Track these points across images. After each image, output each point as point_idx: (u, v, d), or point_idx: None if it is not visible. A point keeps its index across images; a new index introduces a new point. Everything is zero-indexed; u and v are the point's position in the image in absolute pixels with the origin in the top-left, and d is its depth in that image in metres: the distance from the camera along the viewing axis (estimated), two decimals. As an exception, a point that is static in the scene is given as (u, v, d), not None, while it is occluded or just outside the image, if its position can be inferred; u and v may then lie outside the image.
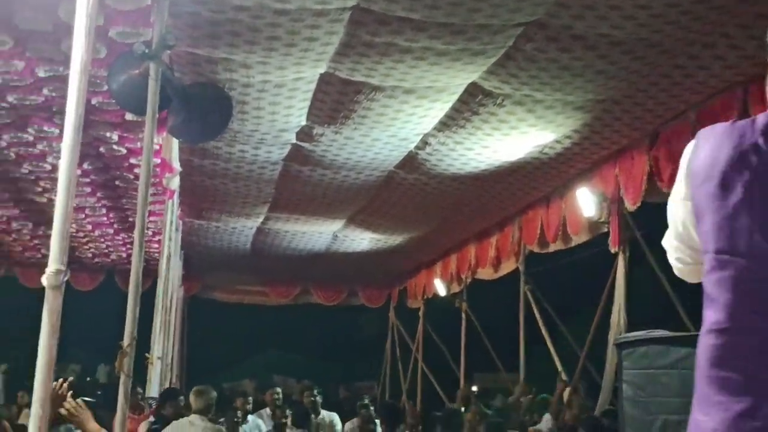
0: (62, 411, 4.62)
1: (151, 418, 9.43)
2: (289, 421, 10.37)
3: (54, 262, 3.76)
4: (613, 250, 9.36)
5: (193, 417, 8.43)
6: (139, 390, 10.49)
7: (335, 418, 11.46)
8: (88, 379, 23.04)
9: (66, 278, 3.77)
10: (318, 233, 14.24)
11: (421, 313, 17.83)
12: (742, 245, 1.72)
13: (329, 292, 19.72)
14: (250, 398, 11.59)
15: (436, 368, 17.04)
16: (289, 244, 15.19)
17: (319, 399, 11.30)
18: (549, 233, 10.83)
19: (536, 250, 11.55)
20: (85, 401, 15.20)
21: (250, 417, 10.85)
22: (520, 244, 12.04)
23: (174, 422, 8.53)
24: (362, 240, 14.63)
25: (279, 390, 11.94)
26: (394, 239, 14.43)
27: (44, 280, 3.74)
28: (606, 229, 9.54)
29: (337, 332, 24.89)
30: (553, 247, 11.04)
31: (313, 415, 10.57)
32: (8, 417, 11.47)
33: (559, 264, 12.24)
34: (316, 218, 13.09)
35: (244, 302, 19.96)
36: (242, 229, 14.09)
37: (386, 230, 13.79)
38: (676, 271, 2.11)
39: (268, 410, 11.54)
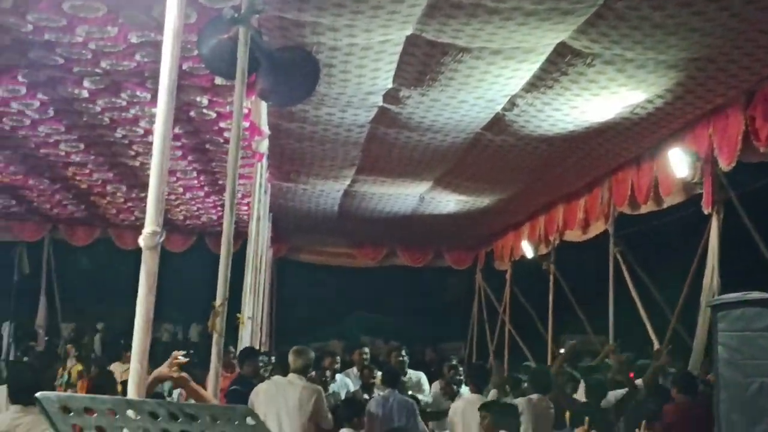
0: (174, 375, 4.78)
1: None
2: (378, 380, 10.48)
3: (150, 224, 3.85)
4: (706, 211, 9.18)
5: (292, 376, 8.57)
6: (231, 349, 10.70)
7: (422, 377, 11.54)
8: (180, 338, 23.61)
9: (162, 239, 3.85)
10: (404, 195, 14.26)
11: (508, 275, 17.76)
12: None
13: (416, 254, 19.76)
14: (338, 358, 11.73)
15: (523, 330, 17.00)
16: (375, 207, 15.24)
17: (406, 359, 11.39)
18: (640, 195, 10.66)
19: (627, 211, 11.38)
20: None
21: (338, 376, 11.01)
22: (610, 206, 11.87)
23: (274, 379, 8.66)
24: (449, 202, 14.60)
25: (366, 350, 12.06)
26: (481, 201, 14.37)
27: (141, 241, 3.83)
28: (699, 190, 9.36)
29: (424, 294, 24.95)
30: (644, 209, 10.87)
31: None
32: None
33: (650, 226, 12.04)
34: (403, 180, 13.10)
35: (332, 264, 20.15)
36: (329, 191, 14.18)
37: (473, 192, 13.73)
38: None
39: (355, 370, 11.67)
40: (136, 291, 3.92)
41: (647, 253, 12.83)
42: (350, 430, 7.72)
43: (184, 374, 4.81)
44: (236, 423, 2.20)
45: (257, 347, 12.27)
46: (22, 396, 5.74)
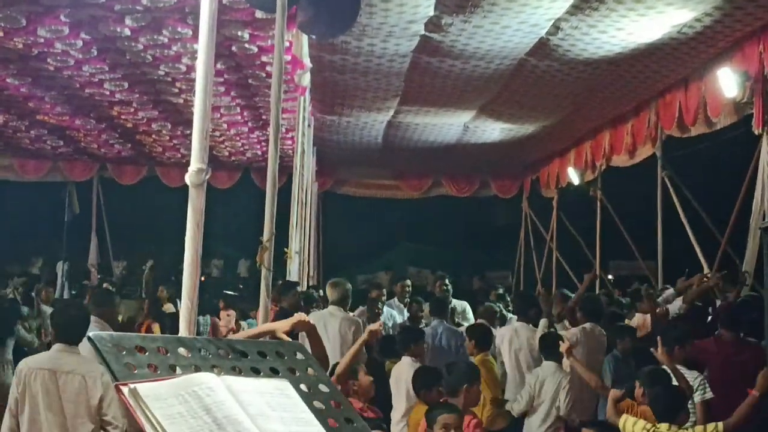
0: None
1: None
2: (426, 311, 10.53)
3: (195, 161, 3.85)
4: (756, 132, 8.99)
5: (332, 308, 8.68)
6: (279, 283, 10.80)
7: (467, 307, 11.59)
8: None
9: (207, 176, 3.86)
10: (448, 125, 14.17)
11: (554, 203, 17.67)
12: None
13: (461, 184, 19.69)
14: (384, 290, 11.77)
15: (571, 257, 16.94)
16: (419, 137, 15.18)
17: (450, 288, 11.43)
18: (688, 117, 10.48)
19: (675, 134, 11.20)
20: (228, 294, 15.79)
21: (384, 308, 11.05)
22: (657, 129, 11.69)
23: (313, 313, 8.78)
24: (493, 130, 14.49)
25: (408, 282, 12.03)
26: (526, 128, 14.23)
27: (187, 179, 3.84)
28: (749, 110, 9.17)
29: (470, 223, 24.88)
30: (693, 131, 10.69)
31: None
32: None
33: (698, 148, 11.86)
34: (446, 110, 13.00)
35: (377, 196, 20.15)
36: (373, 123, 14.13)
37: (518, 119, 13.60)
38: None
39: (396, 301, 11.68)
40: (184, 228, 3.94)
41: (696, 176, 12.64)
42: (409, 358, 7.77)
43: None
44: (285, 358, 2.21)
45: (305, 281, 12.39)
46: (66, 335, 5.83)
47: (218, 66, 9.94)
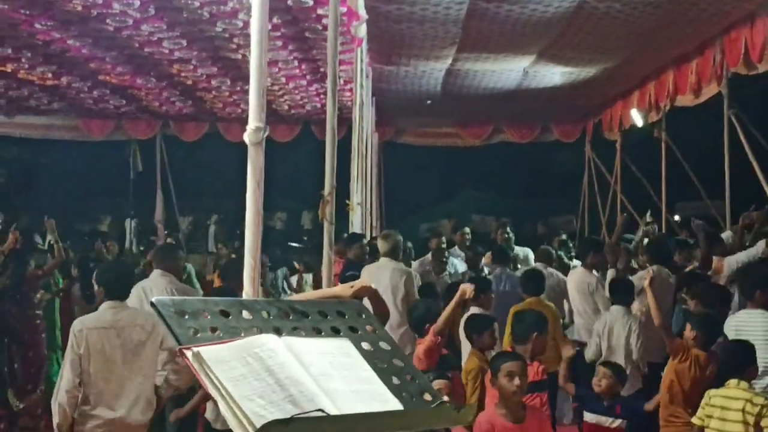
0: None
1: None
2: (486, 260, 10.50)
3: (253, 120, 3.87)
4: (825, 67, 8.75)
5: (383, 260, 8.73)
6: (344, 236, 10.86)
7: (529, 253, 11.54)
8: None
9: (266, 134, 3.88)
10: (508, 71, 14.01)
11: (618, 145, 17.41)
12: None
13: (522, 130, 19.50)
14: (444, 238, 11.74)
15: (636, 200, 16.73)
16: (479, 84, 15.04)
17: (512, 236, 11.38)
18: (754, 53, 10.21)
19: (741, 72, 10.94)
20: (293, 247, 15.94)
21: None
22: (723, 67, 11.41)
23: (367, 266, 8.83)
24: (554, 75, 14.29)
25: (468, 230, 11.98)
26: (588, 71, 14.01)
27: (245, 138, 3.86)
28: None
29: (532, 169, 24.70)
30: (759, 68, 10.42)
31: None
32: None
33: (765, 85, 11.57)
34: (505, 56, 12.84)
35: (438, 144, 20.08)
36: (431, 71, 14.03)
37: (578, 63, 13.39)
38: None
39: (457, 250, 11.66)
40: (246, 182, 3.98)
41: (763, 114, 12.34)
42: (477, 308, 7.79)
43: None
44: (347, 317, 2.23)
45: (368, 232, 12.44)
46: (115, 292, 5.95)
47: (274, 20, 9.95)
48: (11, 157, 25.75)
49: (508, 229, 11.42)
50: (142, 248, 17.38)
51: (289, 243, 18.02)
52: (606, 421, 6.12)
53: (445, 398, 4.63)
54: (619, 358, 7.59)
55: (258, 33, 3.83)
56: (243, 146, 3.92)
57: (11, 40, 11.13)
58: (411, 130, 19.49)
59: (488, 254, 10.59)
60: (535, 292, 8.39)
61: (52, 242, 10.36)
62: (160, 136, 19.33)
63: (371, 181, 14.12)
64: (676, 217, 16.84)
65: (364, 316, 2.26)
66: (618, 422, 6.16)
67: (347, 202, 10.11)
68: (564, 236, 11.53)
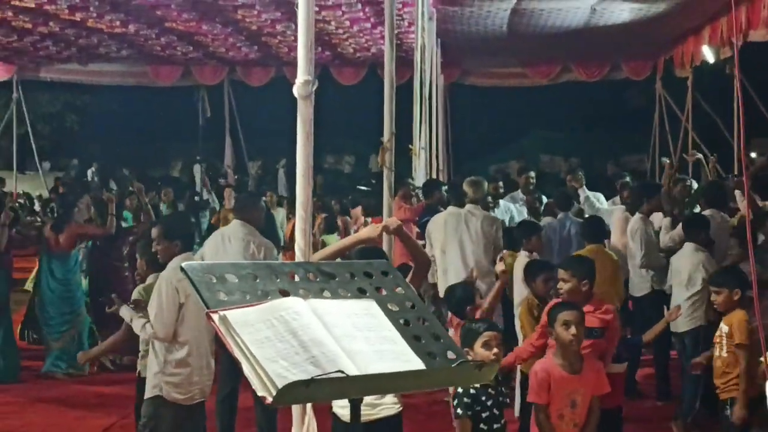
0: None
1: None
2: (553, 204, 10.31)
3: (302, 73, 3.90)
4: None
5: (470, 207, 8.61)
6: (410, 180, 10.81)
7: (601, 197, 11.29)
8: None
9: (315, 87, 3.90)
10: (575, 8, 13.73)
11: (689, 83, 17.03)
12: None
13: (591, 68, 19.14)
14: (501, 183, 11.53)
15: (708, 137, 16.42)
16: (545, 23, 14.79)
17: (582, 179, 11.12)
18: (828, -13, 9.87)
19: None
20: (361, 190, 15.97)
21: (501, 202, 10.86)
22: (797, 1, 11.06)
23: (451, 210, 8.70)
24: (622, 11, 13.97)
25: (533, 174, 11.62)
26: (657, 6, 13.67)
27: (295, 91, 3.90)
28: None
29: (602, 108, 24.31)
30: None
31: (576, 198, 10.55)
32: None
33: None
34: (572, -8, 12.62)
35: (505, 85, 19.88)
36: (496, 11, 13.83)
37: (647, -2, 13.08)
38: None
39: (520, 193, 11.43)
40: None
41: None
42: (526, 252, 7.77)
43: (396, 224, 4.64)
44: (373, 278, 2.27)
45: (433, 176, 12.39)
46: (188, 245, 6.01)
47: (337, -36, 9.94)
48: (83, 104, 26.29)
49: (580, 174, 11.13)
50: (212, 192, 17.64)
51: (357, 186, 18.10)
52: (615, 367, 5.97)
53: (494, 351, 4.73)
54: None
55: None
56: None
57: (78, -10, 11.33)
58: (477, 71, 19.29)
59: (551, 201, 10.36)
60: (595, 239, 8.24)
61: (142, 203, 10.56)
62: (228, 82, 19.51)
63: (437, 125, 14.06)
64: (753, 154, 16.51)
65: (391, 275, 2.30)
66: (624, 366, 6.10)
67: (410, 146, 10.12)
68: (627, 178, 11.25)
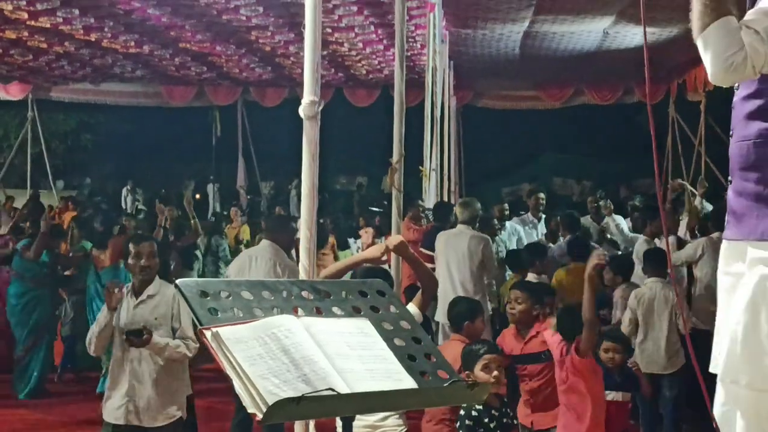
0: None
1: None
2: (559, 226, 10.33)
3: (308, 93, 3.92)
4: None
5: (461, 227, 8.74)
6: (420, 202, 10.85)
7: (622, 221, 11.27)
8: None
9: (320, 107, 3.92)
10: (587, 32, 13.78)
11: (702, 107, 17.03)
12: None
13: (603, 91, 19.17)
14: (506, 205, 11.58)
15: (721, 162, 16.37)
16: (558, 46, 14.84)
17: (603, 203, 11.12)
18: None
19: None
20: (373, 211, 15.96)
21: (507, 224, 10.87)
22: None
23: (443, 232, 8.87)
24: (635, 35, 14.01)
25: (542, 195, 11.67)
26: (669, 31, 13.69)
27: (300, 111, 3.91)
28: None
29: (614, 131, 24.30)
30: None
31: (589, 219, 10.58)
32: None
33: None
34: (584, 17, 12.63)
35: (518, 108, 19.92)
36: (509, 34, 13.88)
37: (660, 22, 13.08)
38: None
39: (530, 216, 11.46)
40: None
41: None
42: (534, 275, 7.79)
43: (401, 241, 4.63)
44: (368, 297, 2.28)
45: (444, 198, 12.42)
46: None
47: (349, -14, 10.01)
48: (97, 123, 26.44)
49: (599, 196, 11.12)
50: (225, 212, 17.70)
51: (369, 207, 18.13)
52: (621, 396, 5.93)
53: (494, 373, 4.71)
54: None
55: (312, 9, 3.88)
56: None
57: (94, 10, 11.42)
58: (490, 93, 19.34)
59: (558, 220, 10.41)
60: (580, 258, 8.31)
61: (191, 218, 10.58)
62: (241, 102, 19.60)
63: (449, 147, 14.08)
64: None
65: (386, 295, 2.31)
66: (627, 395, 6.05)
67: (420, 168, 10.13)
68: (637, 201, 11.26)
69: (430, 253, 9.05)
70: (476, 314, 5.98)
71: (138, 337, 5.25)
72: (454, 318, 6.12)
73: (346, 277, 4.39)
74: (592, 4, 11.73)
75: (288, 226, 7.74)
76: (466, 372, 4.60)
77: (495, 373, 4.70)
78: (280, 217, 10.30)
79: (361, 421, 4.28)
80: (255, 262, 7.11)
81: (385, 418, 4.45)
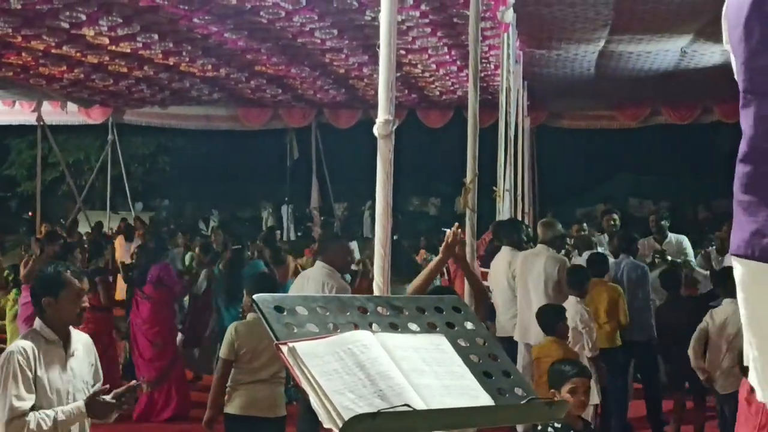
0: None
1: None
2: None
3: (383, 113, 3.92)
4: None
5: (540, 247, 8.71)
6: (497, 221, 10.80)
7: (684, 240, 11.14)
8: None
9: (395, 127, 3.93)
10: (664, 51, 13.60)
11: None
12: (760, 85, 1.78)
13: (682, 111, 18.90)
14: (585, 224, 11.50)
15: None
16: (634, 66, 14.67)
17: (665, 223, 11.01)
18: None
19: None
20: (444, 231, 15.97)
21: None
22: None
23: (523, 252, 8.82)
24: (713, 53, 13.77)
25: (616, 216, 11.57)
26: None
27: (375, 131, 3.92)
28: None
29: (693, 151, 23.90)
30: None
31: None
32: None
33: None
34: (660, 36, 12.47)
35: (593, 127, 19.76)
36: (584, 54, 13.78)
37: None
38: None
39: (606, 236, 11.36)
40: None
41: None
42: (576, 298, 7.73)
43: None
44: (444, 313, 2.26)
45: (519, 218, 12.35)
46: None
47: (422, 7, 10.03)
48: (175, 146, 26.91)
49: (662, 218, 11.04)
50: (299, 234, 17.84)
51: (442, 229, 18.10)
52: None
53: (581, 398, 4.65)
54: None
55: (386, 28, 3.89)
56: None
57: (172, 35, 11.63)
58: (565, 113, 19.23)
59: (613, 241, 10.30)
60: (598, 273, 8.64)
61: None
62: (315, 124, 19.77)
63: (522, 167, 14.00)
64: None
65: (462, 311, 2.29)
66: None
67: (494, 188, 10.08)
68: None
69: (485, 269, 9.19)
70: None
71: None
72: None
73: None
74: (669, 23, 11.58)
75: (342, 247, 7.87)
76: (552, 390, 4.59)
77: (581, 398, 4.67)
78: (334, 237, 10.42)
79: None
80: (308, 283, 7.25)
81: None
